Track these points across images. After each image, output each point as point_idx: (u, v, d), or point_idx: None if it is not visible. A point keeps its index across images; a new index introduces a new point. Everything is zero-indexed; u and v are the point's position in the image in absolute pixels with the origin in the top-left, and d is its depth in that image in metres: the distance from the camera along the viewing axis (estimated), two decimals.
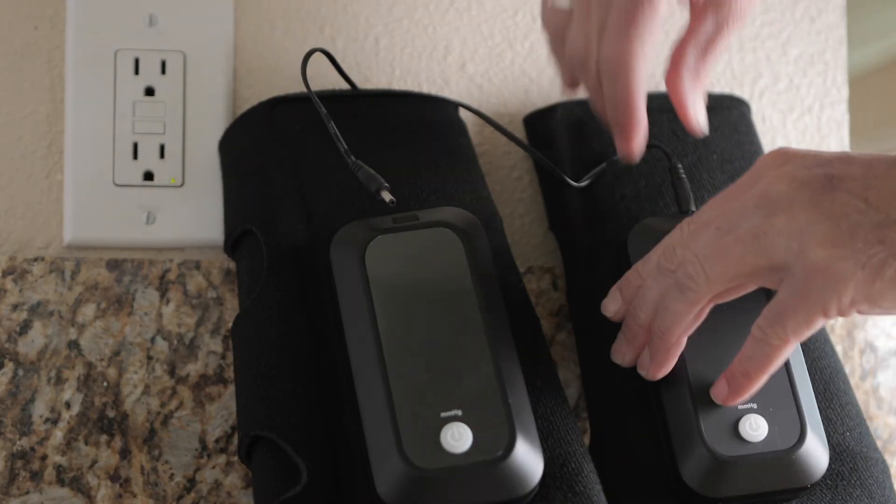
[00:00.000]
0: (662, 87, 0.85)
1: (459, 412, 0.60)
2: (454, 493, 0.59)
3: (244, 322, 0.68)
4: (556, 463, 0.63)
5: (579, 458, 0.64)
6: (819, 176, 0.59)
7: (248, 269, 0.71)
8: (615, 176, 0.75)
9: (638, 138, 0.69)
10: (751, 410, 0.64)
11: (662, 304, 0.63)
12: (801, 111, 0.88)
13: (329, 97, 0.73)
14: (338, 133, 0.69)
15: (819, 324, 0.58)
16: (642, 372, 0.66)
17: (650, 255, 0.65)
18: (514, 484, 0.60)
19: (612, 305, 0.68)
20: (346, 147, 0.69)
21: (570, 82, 0.73)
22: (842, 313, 0.57)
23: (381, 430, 0.60)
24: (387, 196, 0.66)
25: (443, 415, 0.60)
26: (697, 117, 0.71)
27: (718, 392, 0.64)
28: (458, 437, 0.59)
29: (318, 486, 0.62)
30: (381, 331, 0.62)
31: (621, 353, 0.68)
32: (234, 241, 0.73)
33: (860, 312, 0.58)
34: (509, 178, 0.82)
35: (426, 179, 0.71)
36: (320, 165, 0.71)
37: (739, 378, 0.62)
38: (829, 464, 0.66)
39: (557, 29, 0.73)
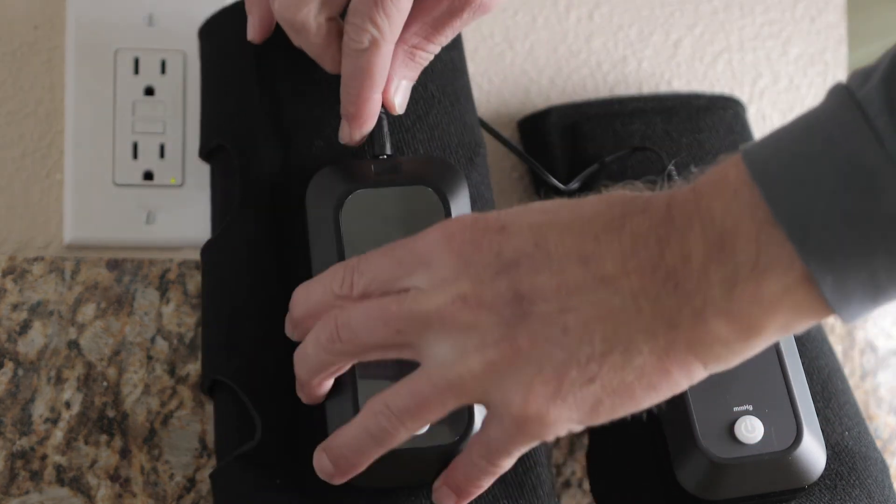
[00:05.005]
0: (662, 88, 0.85)
1: None
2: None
3: (214, 251, 0.67)
4: None
5: (537, 450, 0.64)
6: (506, 297, 0.52)
7: (220, 186, 0.69)
8: (609, 178, 0.75)
9: (364, 126, 0.64)
10: (746, 412, 0.63)
11: (352, 443, 0.57)
12: (802, 111, 0.88)
13: None
14: None
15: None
16: (324, 478, 0.60)
17: (314, 285, 0.60)
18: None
19: (286, 323, 0.63)
20: (388, 136, 0.66)
21: (261, 34, 0.68)
22: (558, 437, 0.55)
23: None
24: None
25: None
26: (394, 103, 0.65)
27: (445, 500, 0.60)
28: None
29: (273, 441, 0.62)
30: None
31: (297, 390, 0.62)
32: (210, 151, 0.71)
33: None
34: (510, 178, 0.82)
35: (411, 105, 0.68)
36: (303, 82, 0.68)
37: (472, 490, 0.59)
38: (828, 464, 0.66)
39: None
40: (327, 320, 0.57)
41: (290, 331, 0.63)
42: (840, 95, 0.50)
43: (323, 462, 0.59)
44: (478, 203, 0.68)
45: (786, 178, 0.49)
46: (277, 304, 0.64)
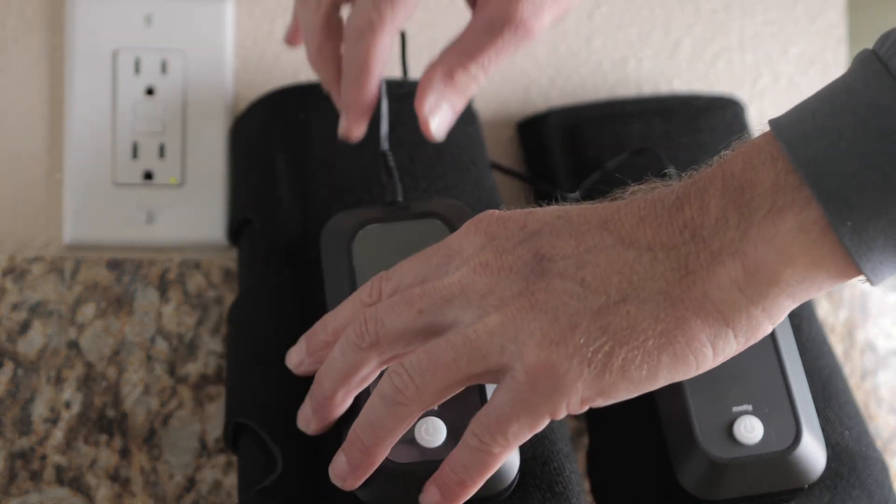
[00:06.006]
0: (662, 88, 0.85)
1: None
2: None
3: (237, 308, 0.69)
4: (538, 461, 0.63)
5: (562, 458, 0.63)
6: (526, 259, 0.53)
7: (246, 256, 0.72)
8: (611, 182, 0.74)
9: (361, 116, 0.65)
10: (746, 412, 0.63)
11: (367, 416, 0.55)
12: None
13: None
14: (387, 113, 0.69)
15: (544, 425, 0.53)
16: (338, 482, 0.58)
17: (340, 307, 0.60)
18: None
19: (294, 356, 0.62)
20: (386, 131, 0.69)
21: (291, 38, 0.73)
22: (572, 412, 0.52)
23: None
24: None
25: None
26: (429, 121, 0.65)
27: (430, 499, 0.57)
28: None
29: (295, 476, 0.62)
30: None
31: (305, 420, 0.61)
32: (236, 229, 0.74)
33: (592, 406, 0.52)
34: (509, 177, 0.82)
35: (427, 169, 0.71)
36: (322, 153, 0.71)
37: (455, 487, 0.55)
38: (828, 464, 0.66)
39: None
40: (356, 320, 0.57)
41: (298, 361, 0.62)
42: (863, 56, 0.51)
43: (337, 461, 0.58)
44: None
45: (806, 131, 0.50)
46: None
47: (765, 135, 0.52)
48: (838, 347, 0.82)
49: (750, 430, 0.63)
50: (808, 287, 0.51)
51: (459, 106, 0.66)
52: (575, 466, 0.64)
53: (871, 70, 0.50)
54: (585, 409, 0.52)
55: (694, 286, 0.51)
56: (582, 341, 0.51)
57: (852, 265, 0.49)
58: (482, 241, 0.55)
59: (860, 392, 0.82)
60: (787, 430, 0.63)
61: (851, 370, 0.83)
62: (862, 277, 0.50)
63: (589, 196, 0.75)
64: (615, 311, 0.51)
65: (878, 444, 0.79)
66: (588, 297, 0.51)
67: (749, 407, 0.64)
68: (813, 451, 0.64)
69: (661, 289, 0.51)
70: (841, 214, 0.48)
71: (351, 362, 0.57)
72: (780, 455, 0.63)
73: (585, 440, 0.73)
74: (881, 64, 0.50)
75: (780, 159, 0.50)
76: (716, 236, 0.50)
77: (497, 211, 0.56)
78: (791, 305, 0.52)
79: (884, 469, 0.69)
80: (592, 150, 0.76)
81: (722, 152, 0.53)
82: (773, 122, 0.52)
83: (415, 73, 0.81)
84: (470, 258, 0.54)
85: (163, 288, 0.75)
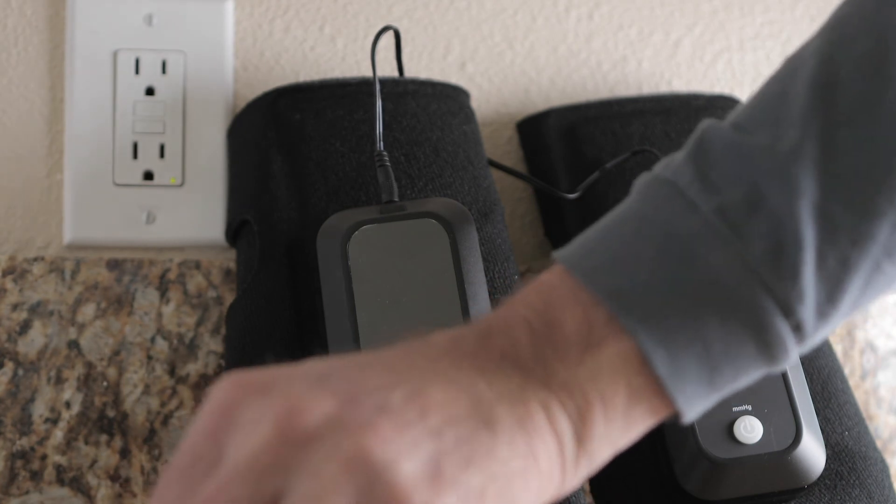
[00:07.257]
0: (662, 88, 0.85)
1: None
2: None
3: (234, 311, 0.69)
4: None
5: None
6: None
7: (244, 258, 0.72)
8: (609, 182, 0.75)
9: None
10: (745, 412, 0.64)
11: None
12: None
13: (339, 84, 0.74)
14: (381, 115, 0.69)
15: None
16: None
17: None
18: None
19: None
20: (381, 131, 0.69)
21: None
22: None
23: None
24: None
25: None
26: None
27: None
28: None
29: None
30: (360, 323, 0.62)
31: None
32: (235, 230, 0.74)
33: None
34: (509, 177, 0.82)
35: (423, 168, 0.71)
36: (317, 154, 0.72)
37: None
38: (828, 463, 0.66)
39: None
40: None
41: None
42: (645, 180, 0.50)
43: None
44: (492, 254, 0.69)
45: (602, 259, 0.48)
46: (296, 350, 0.66)
47: (553, 270, 0.48)
48: (838, 347, 0.82)
49: (750, 430, 0.63)
50: (628, 426, 0.48)
51: None
52: None
53: (659, 192, 0.49)
54: None
55: (534, 412, 0.46)
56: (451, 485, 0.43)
57: (666, 399, 0.47)
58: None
59: (860, 392, 0.82)
60: (786, 429, 0.63)
61: (851, 370, 0.83)
62: (672, 413, 0.47)
63: (588, 195, 0.75)
64: (468, 462, 0.43)
65: (878, 444, 0.79)
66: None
67: (748, 407, 0.64)
68: (812, 451, 0.64)
69: (505, 412, 0.45)
70: (654, 343, 0.46)
71: None
72: (779, 455, 0.63)
73: None
74: (668, 185, 0.48)
75: (582, 291, 0.47)
76: (538, 367, 0.46)
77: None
78: (619, 440, 0.48)
79: (884, 469, 0.69)
80: (592, 150, 0.76)
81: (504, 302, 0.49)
82: (560, 256, 0.49)
83: (412, 71, 0.81)
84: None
85: (163, 288, 0.75)
